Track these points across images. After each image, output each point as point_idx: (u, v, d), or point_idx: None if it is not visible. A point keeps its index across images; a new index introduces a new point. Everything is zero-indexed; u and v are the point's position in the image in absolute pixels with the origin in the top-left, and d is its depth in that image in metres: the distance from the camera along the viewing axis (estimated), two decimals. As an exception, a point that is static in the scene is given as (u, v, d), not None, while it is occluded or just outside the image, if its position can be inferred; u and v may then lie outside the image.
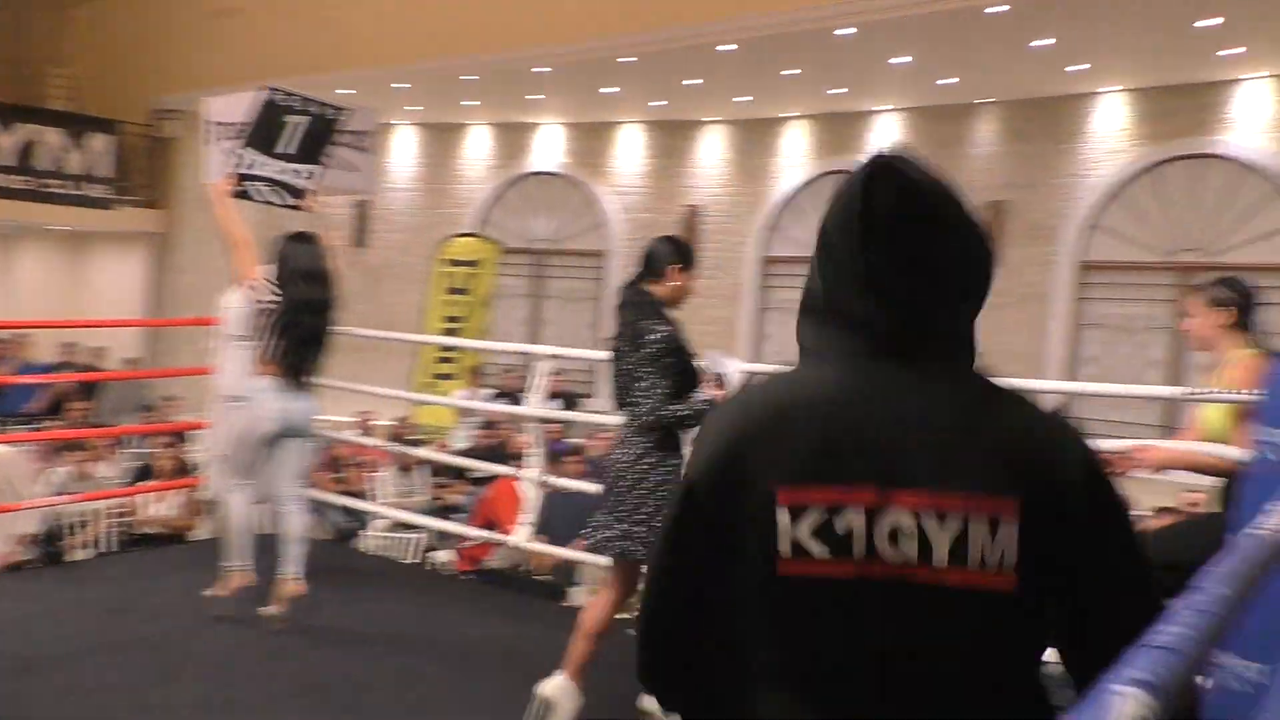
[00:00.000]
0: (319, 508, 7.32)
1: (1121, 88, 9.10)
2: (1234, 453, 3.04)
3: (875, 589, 1.05)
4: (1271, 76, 8.40)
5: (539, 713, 3.27)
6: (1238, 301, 3.22)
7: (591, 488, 6.45)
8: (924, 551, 1.04)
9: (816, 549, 1.06)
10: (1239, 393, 3.08)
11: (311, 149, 5.23)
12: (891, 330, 1.14)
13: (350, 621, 4.30)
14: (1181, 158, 8.86)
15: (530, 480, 4.60)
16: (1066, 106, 9.39)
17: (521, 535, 4.62)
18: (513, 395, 10.36)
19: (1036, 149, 9.56)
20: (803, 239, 10.93)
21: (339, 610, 4.40)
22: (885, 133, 10.41)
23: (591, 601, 3.50)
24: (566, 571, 5.86)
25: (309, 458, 4.23)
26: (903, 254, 1.14)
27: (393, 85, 10.90)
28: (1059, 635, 1.00)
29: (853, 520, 1.06)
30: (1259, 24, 7.31)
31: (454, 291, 11.64)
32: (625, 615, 3.28)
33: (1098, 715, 0.57)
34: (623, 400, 3.40)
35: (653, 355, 3.27)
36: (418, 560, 6.37)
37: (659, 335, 3.27)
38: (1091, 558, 1.07)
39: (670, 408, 3.26)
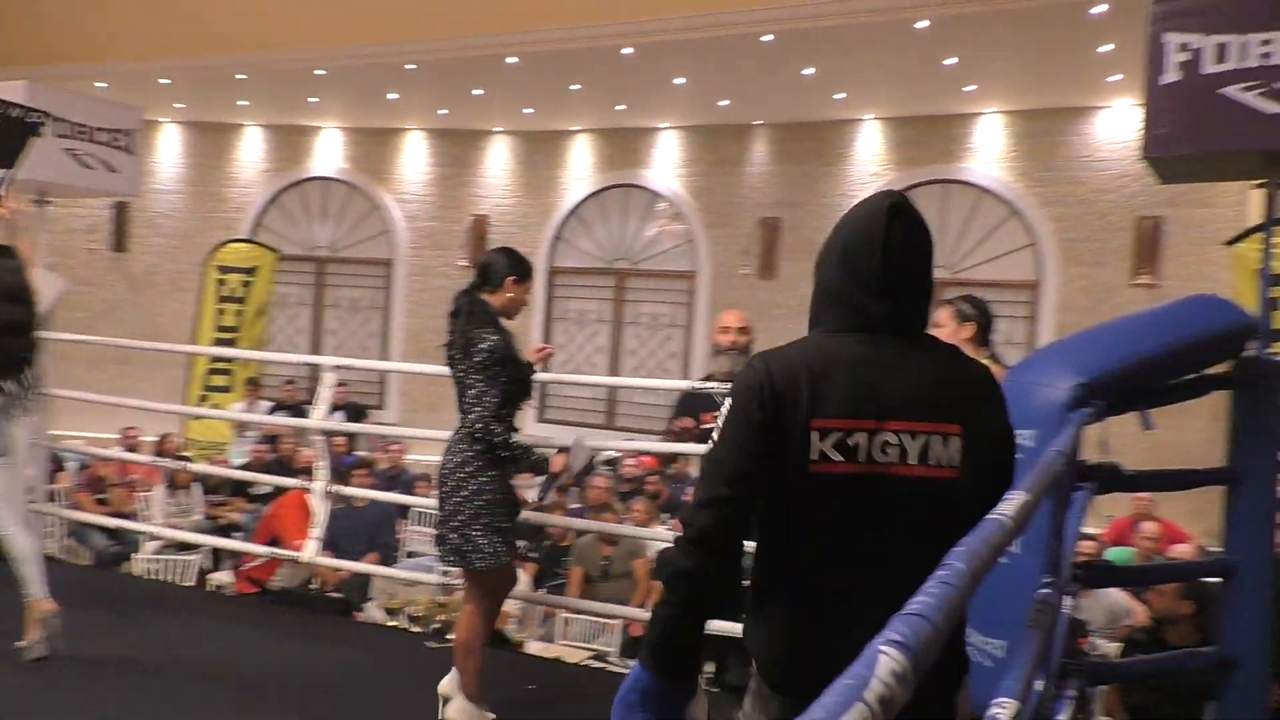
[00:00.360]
0: (78, 531, 6.83)
1: (877, 116, 9.87)
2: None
3: (871, 479, 1.62)
4: (1000, 112, 9.37)
5: None
6: (979, 318, 3.66)
7: (383, 498, 6.39)
8: (902, 456, 1.62)
9: (835, 456, 1.62)
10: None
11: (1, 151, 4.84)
12: (892, 319, 1.69)
13: (124, 649, 4.06)
14: (931, 182, 9.71)
15: (318, 494, 4.50)
16: (832, 131, 10.09)
17: (309, 551, 4.51)
18: (294, 408, 10.01)
19: (806, 170, 10.21)
20: (589, 250, 11.17)
21: (110, 639, 4.14)
22: (667, 149, 10.81)
23: (460, 617, 3.51)
24: (357, 586, 5.76)
25: (19, 478, 3.94)
26: (906, 271, 1.72)
27: (160, 81, 10.29)
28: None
29: (859, 439, 1.62)
30: (987, 64, 8.15)
31: (227, 300, 11.12)
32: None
33: (865, 668, 0.72)
34: (459, 408, 3.43)
35: (482, 364, 3.30)
36: (195, 583, 6.07)
37: (489, 345, 3.30)
38: (1000, 462, 1.69)
39: (497, 428, 3.31)
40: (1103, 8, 6.72)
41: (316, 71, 9.63)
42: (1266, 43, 3.05)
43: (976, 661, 2.80)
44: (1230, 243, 7.36)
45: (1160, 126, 3.17)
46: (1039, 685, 1.92)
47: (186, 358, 10.54)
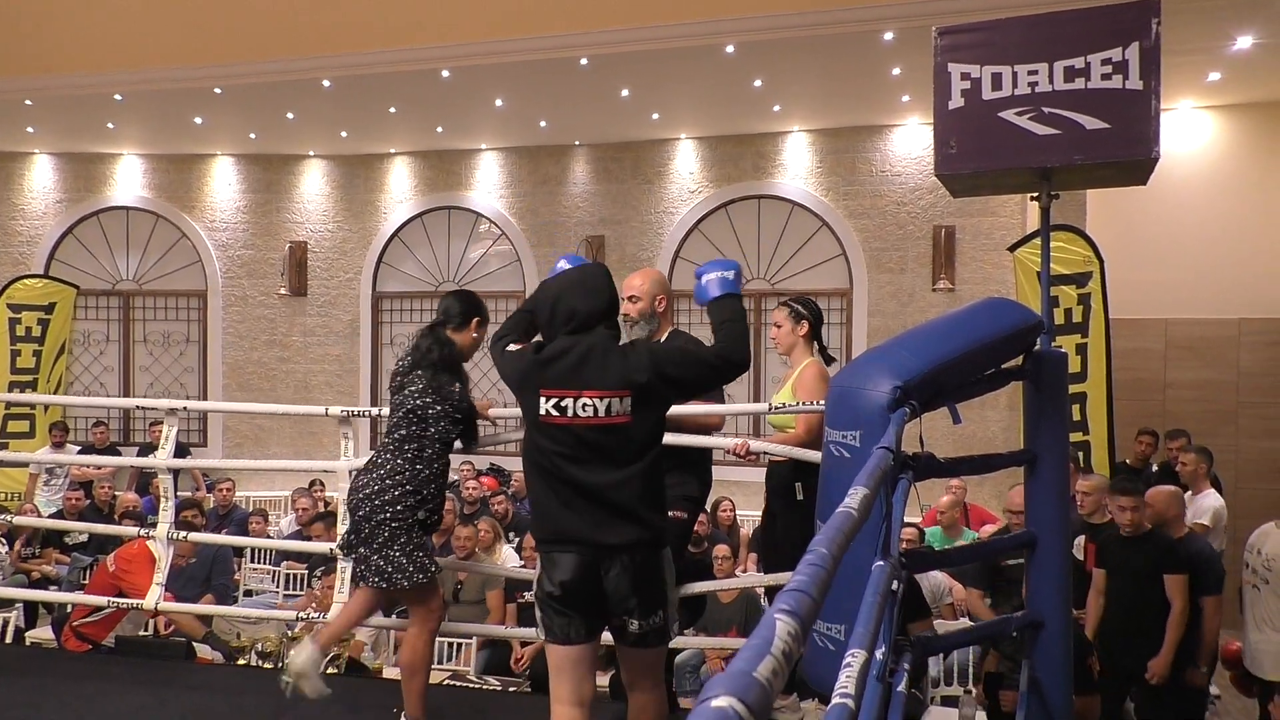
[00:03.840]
0: None
1: (691, 135, 10.27)
2: (797, 447, 3.80)
3: (576, 428, 2.71)
4: (806, 130, 9.95)
5: None
6: (810, 319, 4.01)
7: (229, 541, 6.20)
8: (595, 411, 2.70)
9: (554, 412, 2.73)
10: (810, 404, 3.79)
11: None
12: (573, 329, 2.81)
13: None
14: (746, 198, 10.18)
15: (161, 538, 4.35)
16: (650, 150, 10.42)
17: (152, 598, 4.35)
18: (106, 452, 9.48)
19: (626, 188, 10.50)
20: (414, 274, 11.08)
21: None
22: (488, 170, 10.88)
23: (405, 640, 3.57)
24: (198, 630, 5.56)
25: None
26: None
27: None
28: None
29: (567, 402, 2.71)
30: (791, 86, 8.66)
31: (23, 340, 10.42)
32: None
33: (767, 632, 0.88)
34: (392, 433, 3.50)
35: (448, 415, 3.47)
36: (10, 642, 5.68)
37: (462, 402, 3.51)
38: (661, 410, 2.81)
39: (433, 481, 3.47)
40: (889, 35, 7.28)
41: (114, 96, 9.18)
42: (1033, 73, 3.45)
43: (820, 646, 3.05)
44: (1012, 249, 8.11)
45: (949, 146, 3.52)
46: (879, 655, 2.15)
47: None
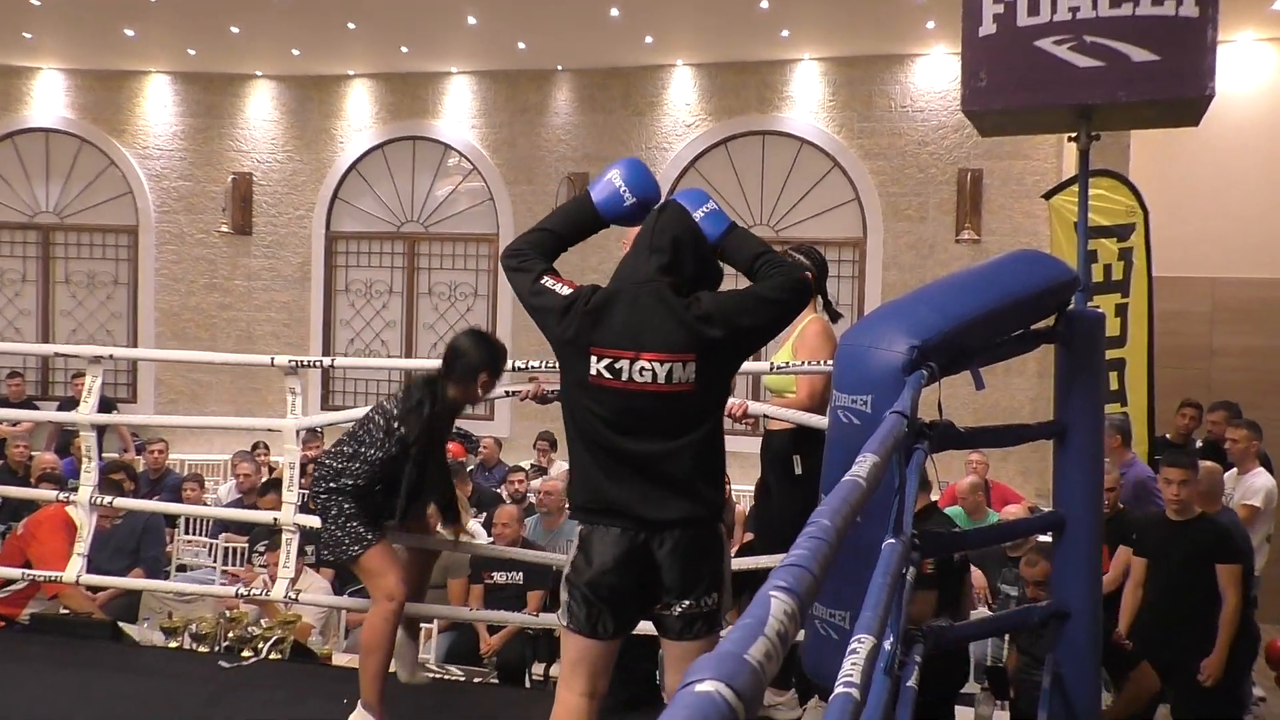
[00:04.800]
0: None
1: (688, 62, 10.17)
2: (799, 411, 3.86)
3: (629, 393, 2.63)
4: (817, 59, 9.87)
5: None
6: (813, 270, 3.98)
7: (156, 508, 6.18)
8: (653, 377, 2.62)
9: (606, 375, 2.64)
10: (817, 364, 3.79)
11: None
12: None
13: None
14: (749, 133, 10.12)
15: (83, 504, 4.33)
16: (641, 78, 10.33)
17: (73, 570, 4.35)
18: (23, 406, 9.45)
19: (615, 119, 10.42)
20: (374, 213, 11.01)
21: None
22: (459, 97, 10.77)
23: (367, 617, 3.63)
24: (125, 607, 5.58)
25: None
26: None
27: None
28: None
29: (622, 364, 2.63)
30: (801, 7, 8.58)
31: (-72, 278, 10.33)
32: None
33: (760, 611, 0.87)
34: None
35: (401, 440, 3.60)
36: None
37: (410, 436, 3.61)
38: (729, 371, 2.81)
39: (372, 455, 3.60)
40: (919, -50, 7.21)
41: (31, 0, 9.03)
42: (1077, -4, 3.42)
43: (821, 635, 3.07)
44: (1047, 196, 8.10)
45: (978, 79, 3.49)
46: (888, 645, 2.17)
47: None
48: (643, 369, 2.62)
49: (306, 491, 3.69)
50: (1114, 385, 7.39)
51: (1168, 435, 7.64)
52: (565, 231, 2.95)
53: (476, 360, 3.61)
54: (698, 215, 2.87)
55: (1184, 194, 8.78)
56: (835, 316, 4.22)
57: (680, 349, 2.62)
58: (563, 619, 2.75)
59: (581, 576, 2.67)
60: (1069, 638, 3.35)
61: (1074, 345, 3.35)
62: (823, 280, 4.15)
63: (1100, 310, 4.22)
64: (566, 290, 2.74)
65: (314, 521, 4.18)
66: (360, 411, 3.83)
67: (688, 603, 2.66)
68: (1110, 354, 7.15)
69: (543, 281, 2.79)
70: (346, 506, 3.56)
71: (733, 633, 0.83)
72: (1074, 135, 3.59)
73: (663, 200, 2.89)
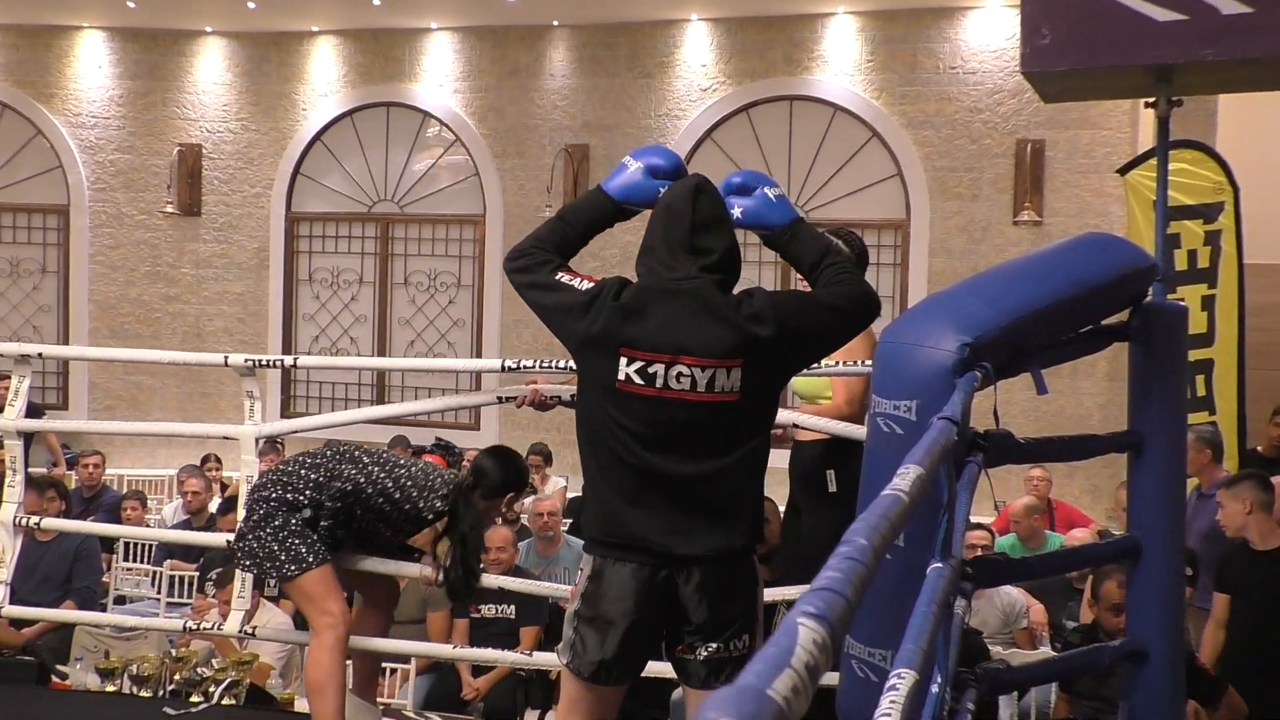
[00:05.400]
0: None
1: (704, 16, 10.17)
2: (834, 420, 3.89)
3: (665, 402, 2.62)
4: (853, 12, 9.87)
5: None
6: (852, 253, 4.01)
7: (87, 528, 6.21)
8: (692, 385, 2.61)
9: (637, 380, 2.63)
10: (855, 364, 3.80)
11: None
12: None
13: None
14: (775, 99, 10.13)
15: (7, 525, 4.37)
16: (650, 35, 10.35)
17: (-4, 600, 4.40)
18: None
19: (620, 83, 10.43)
20: (342, 190, 11.05)
21: None
22: (439, 56, 10.80)
23: (309, 652, 3.77)
24: (54, 645, 5.61)
25: None
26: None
27: None
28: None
29: (657, 368, 2.62)
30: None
31: None
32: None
33: (786, 640, 0.88)
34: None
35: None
36: None
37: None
38: (779, 382, 2.83)
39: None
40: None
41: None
42: (1158, -62, 3.42)
43: (859, 676, 3.08)
44: (1123, 171, 8.09)
45: (1040, 36, 3.49)
46: (934, 688, 2.17)
47: None
48: (680, 374, 2.62)
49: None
50: (1200, 390, 7.38)
51: (1259, 448, 7.64)
52: (574, 220, 2.94)
53: (509, 477, 3.97)
54: (768, 195, 2.87)
55: (1277, 168, 8.77)
56: None
57: (726, 353, 2.62)
58: (564, 656, 2.76)
59: (593, 611, 2.68)
60: (1146, 681, 3.35)
61: (1151, 343, 3.35)
62: (861, 269, 4.17)
63: (1183, 303, 4.22)
64: (587, 284, 2.73)
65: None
66: (326, 419, 3.89)
67: (715, 645, 2.67)
68: (1195, 354, 7.14)
69: (557, 277, 2.77)
70: (294, 522, 3.64)
71: (754, 664, 0.83)
72: (1151, 101, 3.59)
73: (691, 178, 2.84)
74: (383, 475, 3.76)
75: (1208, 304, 7.42)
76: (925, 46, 9.80)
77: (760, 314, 2.64)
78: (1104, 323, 3.36)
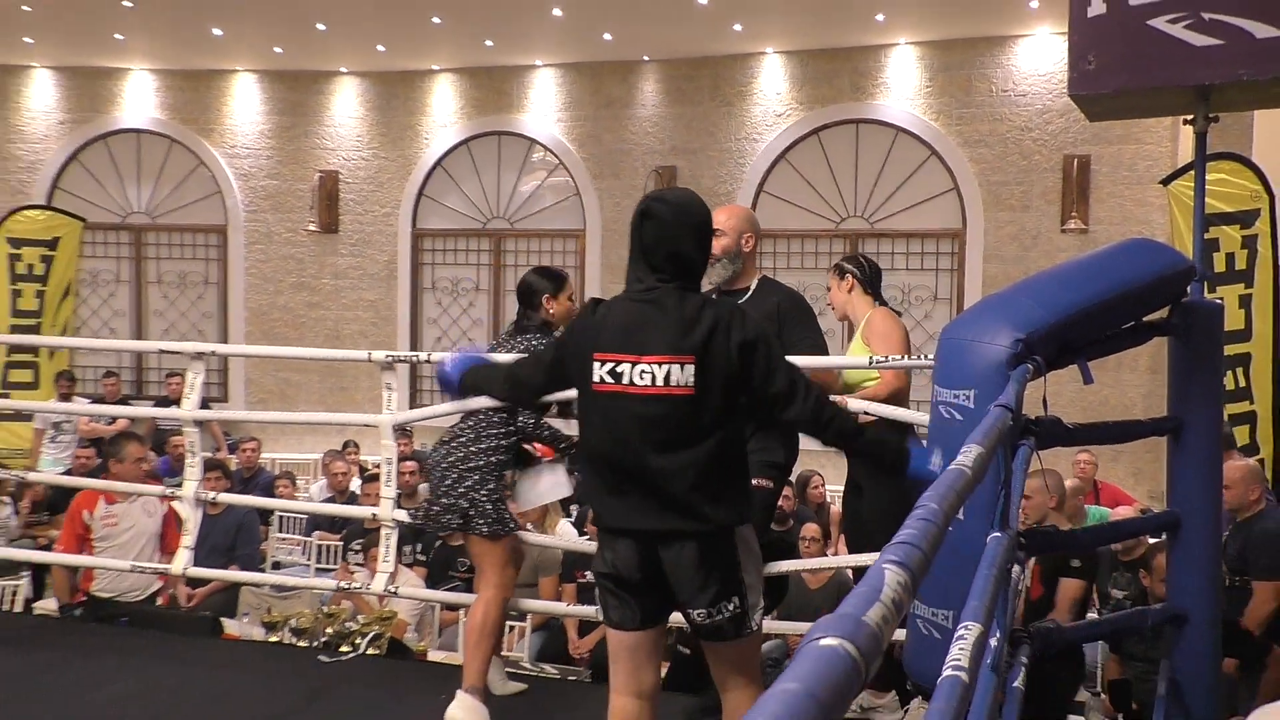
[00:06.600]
0: None
1: (779, 50, 10.17)
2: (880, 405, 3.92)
3: (631, 400, 2.68)
4: (914, 43, 9.80)
5: None
6: (857, 273, 4.11)
7: (255, 502, 6.43)
8: (652, 380, 2.66)
9: (608, 379, 2.71)
10: (891, 355, 3.83)
11: None
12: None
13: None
14: (842, 122, 10.10)
15: (188, 499, 4.56)
16: (729, 67, 10.38)
17: (180, 562, 4.58)
18: (120, 405, 9.83)
19: (703, 111, 10.48)
20: (459, 209, 11.23)
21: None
22: (544, 90, 10.93)
23: (476, 601, 3.84)
24: (223, 603, 5.82)
25: None
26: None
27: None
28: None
29: (624, 368, 2.69)
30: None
31: (24, 279, 10.78)
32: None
33: (875, 581, 0.94)
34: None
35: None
36: (23, 611, 6.00)
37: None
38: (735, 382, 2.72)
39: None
40: (1022, -72, 7.15)
41: (122, 1, 9.40)
42: (1194, -28, 3.39)
43: (924, 634, 3.11)
44: (1165, 182, 7.94)
45: (1086, 61, 3.47)
46: (994, 642, 2.21)
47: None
48: (643, 371, 2.68)
49: (440, 469, 3.89)
50: (1240, 382, 7.22)
51: (1294, 433, 7.45)
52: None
53: (538, 286, 3.94)
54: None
55: (1310, 178, 8.54)
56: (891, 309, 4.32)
57: (678, 350, 2.66)
58: (600, 614, 2.92)
59: (603, 574, 2.81)
60: (1186, 642, 3.33)
61: (1189, 337, 3.33)
62: (877, 282, 4.23)
63: (1218, 300, 4.17)
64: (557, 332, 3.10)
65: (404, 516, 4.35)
66: (451, 406, 3.99)
67: (703, 610, 2.74)
68: (1233, 349, 6.99)
69: (531, 352, 3.14)
70: (497, 487, 3.78)
71: (849, 600, 0.90)
72: (1190, 118, 3.55)
73: (640, 204, 2.92)
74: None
75: (1245, 302, 7.26)
76: (979, 72, 9.70)
77: (718, 320, 2.69)
78: (1146, 319, 3.35)
